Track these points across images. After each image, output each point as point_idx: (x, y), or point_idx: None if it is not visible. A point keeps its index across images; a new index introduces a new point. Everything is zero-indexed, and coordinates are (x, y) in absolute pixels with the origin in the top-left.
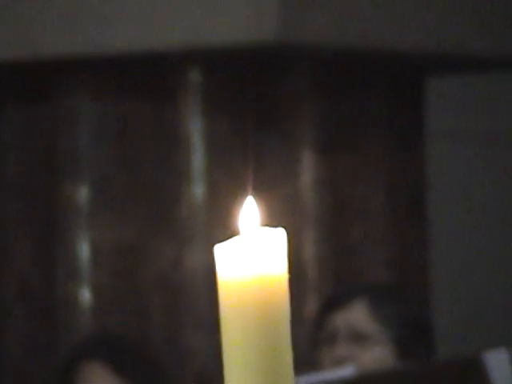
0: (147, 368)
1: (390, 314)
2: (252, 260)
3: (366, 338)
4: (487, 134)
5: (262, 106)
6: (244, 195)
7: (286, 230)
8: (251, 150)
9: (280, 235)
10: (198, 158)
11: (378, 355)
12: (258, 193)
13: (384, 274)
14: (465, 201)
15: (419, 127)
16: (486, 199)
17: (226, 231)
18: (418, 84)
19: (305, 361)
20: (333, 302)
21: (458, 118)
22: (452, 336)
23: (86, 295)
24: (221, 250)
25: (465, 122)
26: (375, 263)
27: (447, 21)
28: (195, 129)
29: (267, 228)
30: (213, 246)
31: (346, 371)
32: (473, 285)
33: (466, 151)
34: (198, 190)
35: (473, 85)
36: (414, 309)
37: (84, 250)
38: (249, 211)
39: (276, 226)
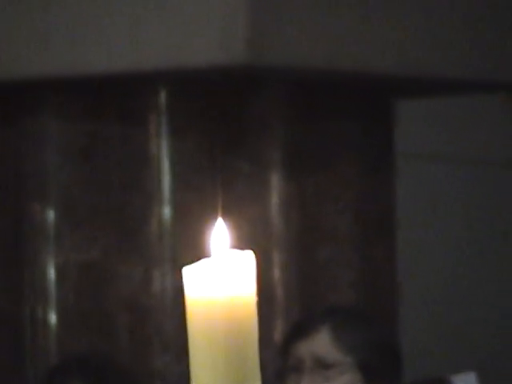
0: None
1: (354, 341)
2: (220, 282)
3: (331, 367)
4: (457, 155)
5: (231, 127)
6: (212, 217)
7: (255, 252)
8: (220, 171)
9: (248, 257)
10: (166, 179)
11: (345, 383)
12: (227, 214)
13: (352, 297)
14: (434, 223)
15: (389, 149)
16: (455, 221)
17: (195, 253)
18: (388, 105)
19: (278, 378)
20: (296, 331)
21: (428, 139)
22: (420, 360)
23: (52, 316)
24: (189, 272)
25: (435, 143)
26: (343, 285)
27: (418, 43)
28: (163, 150)
29: (236, 250)
30: (181, 267)
31: None
32: (442, 307)
33: (435, 173)
34: (166, 212)
35: (443, 107)
36: (381, 333)
37: (50, 271)
38: (219, 233)
39: (244, 248)
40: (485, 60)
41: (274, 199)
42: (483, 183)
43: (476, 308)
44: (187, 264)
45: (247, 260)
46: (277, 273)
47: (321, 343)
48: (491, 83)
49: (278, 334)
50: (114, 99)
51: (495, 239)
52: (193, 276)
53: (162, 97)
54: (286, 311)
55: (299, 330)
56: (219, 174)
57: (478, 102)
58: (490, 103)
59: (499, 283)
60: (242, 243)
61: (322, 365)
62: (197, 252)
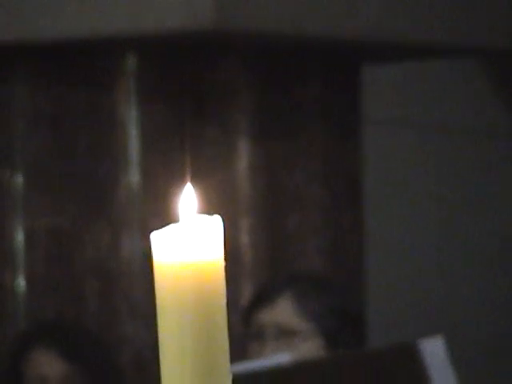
0: (98, 356)
1: (317, 308)
2: (188, 247)
3: (293, 335)
4: (427, 122)
5: (199, 92)
6: (180, 183)
7: (222, 218)
8: (188, 137)
9: (216, 222)
10: (134, 145)
11: (307, 351)
12: (195, 180)
13: (319, 263)
14: (401, 189)
15: (356, 115)
16: (424, 189)
17: (163, 218)
18: (355, 71)
19: (241, 347)
20: (258, 299)
21: (398, 106)
22: (387, 326)
23: (21, 282)
24: (157, 237)
25: (405, 110)
26: (311, 251)
27: (385, 8)
28: (131, 116)
29: (204, 215)
30: (149, 233)
31: (283, 357)
32: (409, 274)
33: (404, 140)
34: (134, 177)
35: (409, 73)
36: (345, 300)
37: (19, 237)
38: (187, 198)
39: (212, 214)
40: (457, 23)
41: (242, 165)
42: (454, 151)
43: (443, 275)
44: (155, 229)
45: (215, 225)
46: (245, 238)
47: (283, 310)
48: (464, 47)
49: (245, 299)
50: (81, 65)
51: (465, 208)
52: (161, 241)
53: (130, 62)
54: (254, 276)
55: (261, 298)
56: (187, 140)
57: (450, 67)
58: (463, 68)
59: (466, 250)
60: (209, 208)
61: (285, 332)
62: (165, 217)
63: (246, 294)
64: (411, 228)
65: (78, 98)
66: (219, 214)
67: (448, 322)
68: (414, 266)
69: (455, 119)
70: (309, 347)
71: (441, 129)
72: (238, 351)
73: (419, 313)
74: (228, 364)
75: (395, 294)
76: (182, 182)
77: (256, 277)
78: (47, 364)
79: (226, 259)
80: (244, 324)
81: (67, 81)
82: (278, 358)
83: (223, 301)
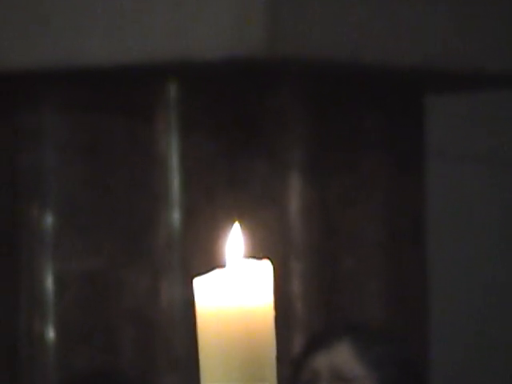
0: None
1: (378, 357)
2: (235, 293)
3: (350, 382)
4: (495, 156)
5: (247, 123)
6: (226, 222)
7: (272, 261)
8: (235, 171)
9: (265, 267)
10: (175, 180)
11: None
12: (242, 219)
13: (377, 310)
14: (469, 230)
15: (420, 148)
16: (492, 228)
17: (207, 261)
18: (419, 101)
19: None
20: (316, 342)
21: (464, 138)
22: (451, 379)
23: (51, 330)
24: (201, 283)
25: (471, 142)
26: (369, 298)
27: (449, 35)
28: (173, 148)
29: (252, 259)
30: (191, 277)
31: None
32: (476, 322)
33: (471, 174)
34: (175, 215)
35: (475, 103)
36: (405, 351)
37: (49, 281)
38: (233, 240)
39: (261, 257)
40: None
41: (294, 202)
42: None
43: None
44: (198, 273)
45: (264, 270)
46: (296, 284)
47: (341, 355)
48: None
49: (296, 350)
50: (120, 92)
51: None
52: (205, 287)
53: (172, 90)
54: (305, 326)
55: (318, 341)
56: (234, 175)
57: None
58: None
59: None
60: (258, 251)
61: (340, 379)
62: (209, 260)
63: (298, 345)
64: (480, 270)
65: (115, 129)
66: (268, 256)
67: None
68: (482, 313)
69: None
70: None
71: (508, 162)
72: None
73: (487, 366)
74: None
75: (462, 343)
76: (229, 222)
77: (308, 326)
78: None
79: (275, 307)
80: (297, 367)
81: (104, 109)
82: None
83: (273, 352)
